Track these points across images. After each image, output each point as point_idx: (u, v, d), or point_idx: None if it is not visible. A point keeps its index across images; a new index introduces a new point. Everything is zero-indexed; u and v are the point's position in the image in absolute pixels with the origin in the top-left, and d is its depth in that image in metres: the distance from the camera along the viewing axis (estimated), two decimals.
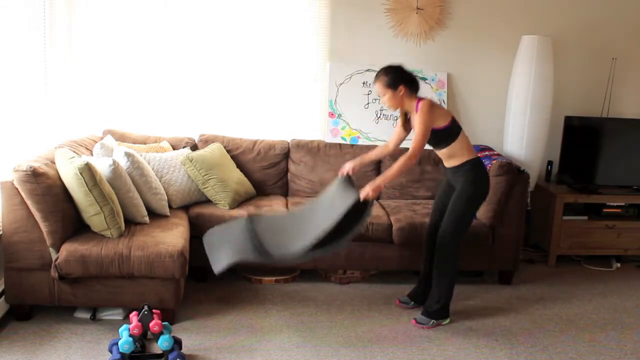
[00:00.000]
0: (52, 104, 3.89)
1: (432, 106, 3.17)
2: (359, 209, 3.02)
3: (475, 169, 3.26)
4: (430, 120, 3.14)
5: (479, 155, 3.37)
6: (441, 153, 3.33)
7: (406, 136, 3.45)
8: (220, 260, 2.95)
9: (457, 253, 3.31)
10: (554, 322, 3.47)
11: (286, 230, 3.16)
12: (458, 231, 3.28)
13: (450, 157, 3.29)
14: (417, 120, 3.17)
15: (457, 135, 3.23)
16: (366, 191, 3.08)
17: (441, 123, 3.19)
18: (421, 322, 3.31)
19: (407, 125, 3.40)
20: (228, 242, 3.07)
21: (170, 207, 3.73)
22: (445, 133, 3.21)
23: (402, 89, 3.19)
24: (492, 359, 3.00)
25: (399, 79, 3.19)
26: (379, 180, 3.14)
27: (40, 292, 3.10)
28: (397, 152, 3.47)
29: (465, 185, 3.25)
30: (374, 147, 4.43)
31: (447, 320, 3.37)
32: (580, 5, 4.66)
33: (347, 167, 3.38)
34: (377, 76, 3.25)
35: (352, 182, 3.30)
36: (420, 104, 3.19)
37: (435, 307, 3.32)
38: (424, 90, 4.55)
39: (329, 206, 3.16)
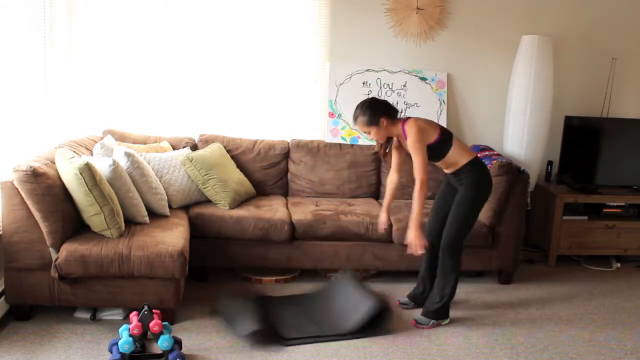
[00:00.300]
0: (52, 104, 3.89)
1: (419, 125, 3.14)
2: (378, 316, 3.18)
3: (475, 169, 3.25)
4: (423, 141, 3.13)
5: (477, 155, 3.36)
6: (439, 163, 3.32)
7: (404, 156, 3.42)
8: (243, 326, 3.06)
9: (460, 255, 3.32)
10: (554, 322, 3.47)
11: (296, 314, 3.34)
12: (461, 234, 3.29)
13: (449, 165, 3.29)
14: (410, 146, 3.14)
15: (450, 144, 3.22)
16: (414, 246, 3.10)
17: (432, 137, 3.17)
18: (421, 323, 3.31)
19: (399, 147, 3.39)
20: (243, 318, 3.15)
21: (170, 207, 3.73)
22: (439, 146, 3.20)
23: (384, 121, 3.18)
24: (492, 359, 3.00)
25: (377, 114, 3.17)
26: (414, 226, 3.11)
27: (40, 292, 3.10)
28: (402, 173, 3.48)
29: (466, 188, 3.25)
30: (372, 146, 4.45)
31: (447, 321, 3.37)
32: (580, 5, 4.66)
33: (382, 224, 3.49)
34: (355, 117, 3.22)
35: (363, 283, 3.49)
36: (407, 127, 3.16)
37: (435, 307, 3.32)
38: (424, 90, 4.57)
39: (345, 308, 3.29)
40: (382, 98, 3.28)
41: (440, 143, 3.19)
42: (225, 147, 4.28)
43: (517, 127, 4.44)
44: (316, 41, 4.49)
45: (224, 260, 3.77)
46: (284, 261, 3.80)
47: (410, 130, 3.13)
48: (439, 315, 3.33)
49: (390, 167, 3.49)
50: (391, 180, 3.48)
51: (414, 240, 3.11)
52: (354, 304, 3.27)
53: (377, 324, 3.18)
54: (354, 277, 3.50)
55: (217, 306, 3.34)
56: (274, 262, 3.80)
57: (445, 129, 3.27)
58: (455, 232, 3.26)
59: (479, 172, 3.27)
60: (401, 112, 4.54)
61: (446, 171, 3.36)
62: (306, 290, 3.67)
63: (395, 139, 3.35)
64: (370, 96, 3.26)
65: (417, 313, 3.39)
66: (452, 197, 3.33)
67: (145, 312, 2.79)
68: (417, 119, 3.21)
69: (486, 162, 3.95)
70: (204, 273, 3.83)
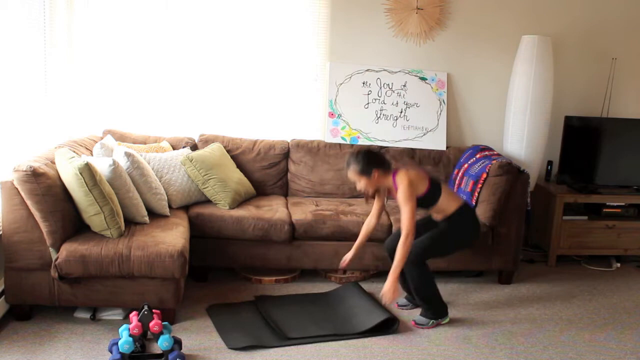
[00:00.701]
0: (52, 104, 3.89)
1: (410, 179, 3.14)
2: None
3: (464, 216, 3.27)
4: (413, 194, 3.13)
5: (465, 201, 3.35)
6: (428, 210, 3.33)
7: (384, 201, 3.43)
8: (235, 340, 3.04)
9: (424, 265, 3.28)
10: (554, 322, 3.47)
11: (300, 314, 3.36)
12: (428, 253, 3.27)
13: (439, 212, 3.29)
14: (400, 198, 3.14)
15: (439, 192, 3.22)
16: (388, 296, 3.09)
17: (422, 190, 3.18)
18: (420, 323, 3.31)
19: (381, 193, 3.39)
20: (242, 327, 3.17)
21: (170, 207, 3.72)
22: (429, 196, 3.21)
23: (375, 173, 3.17)
24: (492, 359, 3.00)
25: (370, 165, 3.16)
26: (392, 277, 3.10)
27: (40, 292, 3.10)
28: (380, 220, 3.48)
29: (453, 228, 3.27)
30: (375, 146, 4.45)
31: (447, 319, 3.37)
32: (580, 5, 4.66)
33: (345, 261, 3.50)
34: (348, 164, 3.21)
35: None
36: (398, 179, 3.16)
37: (428, 308, 3.33)
38: (424, 90, 4.57)
39: (353, 313, 3.36)
40: (377, 150, 3.26)
41: (430, 193, 3.21)
42: (225, 147, 4.28)
43: (517, 127, 4.44)
44: (316, 41, 4.49)
45: (224, 260, 3.77)
46: (284, 261, 3.80)
47: (401, 182, 3.14)
48: (437, 314, 3.33)
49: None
50: (368, 224, 3.49)
51: (389, 291, 3.09)
52: (367, 309, 3.33)
53: (382, 331, 3.20)
54: (361, 289, 3.61)
55: (211, 314, 3.33)
56: (274, 262, 3.80)
57: (434, 178, 3.28)
58: (423, 248, 3.23)
59: (470, 218, 3.30)
60: (401, 112, 4.54)
61: (435, 217, 3.35)
62: (308, 292, 3.68)
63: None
64: (366, 146, 3.25)
65: (417, 313, 3.39)
66: (433, 225, 3.34)
67: (145, 312, 2.79)
68: (407, 170, 3.20)
69: (486, 162, 3.96)
70: (204, 273, 3.83)
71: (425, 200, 3.22)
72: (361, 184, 3.21)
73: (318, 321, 3.28)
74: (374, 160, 3.19)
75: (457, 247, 3.44)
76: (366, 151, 3.22)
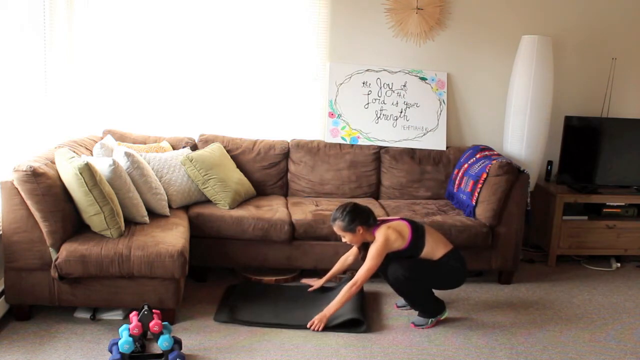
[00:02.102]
0: (52, 104, 3.89)
1: (387, 236, 3.16)
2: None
3: (451, 263, 3.26)
4: (384, 252, 3.17)
5: (453, 247, 3.32)
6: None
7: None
8: (221, 315, 3.28)
9: (415, 280, 3.28)
10: (554, 322, 3.47)
11: (269, 302, 3.50)
12: (418, 278, 3.25)
13: (426, 256, 3.28)
14: (370, 250, 3.18)
15: (423, 241, 3.22)
16: (316, 324, 3.17)
17: (402, 245, 3.20)
18: (420, 324, 3.31)
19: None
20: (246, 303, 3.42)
21: (170, 207, 3.72)
22: (411, 248, 3.22)
23: (360, 229, 3.19)
24: (492, 359, 3.00)
25: (355, 222, 3.17)
26: (329, 312, 3.20)
27: (40, 292, 3.10)
28: (358, 259, 3.44)
29: (439, 271, 3.27)
30: (375, 146, 4.45)
31: (445, 313, 3.37)
32: (580, 5, 4.66)
33: (309, 281, 3.59)
34: (333, 220, 3.23)
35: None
36: (377, 233, 3.20)
37: (424, 309, 3.33)
38: (424, 90, 4.57)
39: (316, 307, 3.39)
40: (364, 205, 3.27)
41: (411, 246, 3.22)
42: (225, 147, 4.28)
43: (517, 127, 4.44)
44: (316, 41, 4.49)
45: (223, 260, 3.77)
46: (284, 261, 3.80)
47: (378, 237, 3.18)
48: (434, 312, 3.33)
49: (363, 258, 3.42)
50: (345, 260, 3.53)
51: (320, 321, 3.18)
52: (344, 307, 3.32)
53: (349, 329, 3.22)
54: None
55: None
56: (274, 262, 3.80)
57: (417, 228, 3.25)
58: (410, 269, 3.20)
59: (457, 264, 3.29)
60: (401, 112, 4.55)
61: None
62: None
63: None
64: (352, 202, 3.26)
65: (416, 314, 3.38)
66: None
67: (145, 312, 2.79)
68: (389, 226, 3.21)
69: (486, 163, 3.96)
70: (204, 273, 3.83)
71: (409, 251, 3.23)
72: (346, 238, 3.25)
73: (282, 312, 3.36)
74: (358, 217, 3.19)
75: (438, 285, 3.37)
76: (352, 208, 3.21)
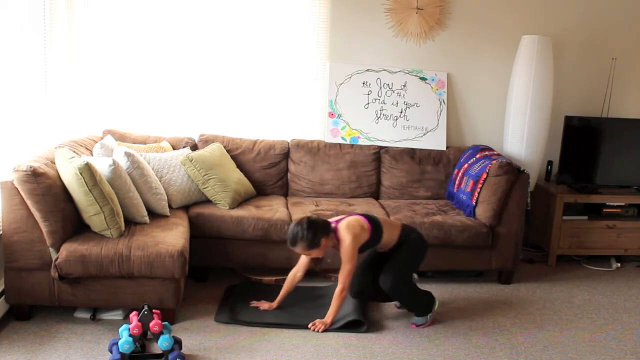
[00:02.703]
0: (52, 104, 3.89)
1: (355, 233, 3.12)
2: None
3: (408, 239, 3.29)
4: (356, 251, 3.14)
5: (403, 223, 3.38)
6: (376, 248, 3.35)
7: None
8: (222, 315, 3.28)
9: (409, 283, 3.35)
10: (554, 322, 3.47)
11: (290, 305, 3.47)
12: (407, 280, 3.31)
13: (385, 245, 3.30)
14: (343, 254, 3.14)
15: (380, 230, 3.22)
16: (316, 325, 3.19)
17: (365, 237, 3.19)
18: (419, 323, 3.31)
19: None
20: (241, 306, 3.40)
21: (170, 207, 3.72)
22: (373, 239, 3.22)
23: (324, 241, 3.11)
24: (492, 359, 3.00)
25: (318, 236, 3.08)
26: (327, 320, 3.21)
27: (40, 292, 3.10)
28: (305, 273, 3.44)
29: (401, 254, 3.29)
30: (375, 146, 4.45)
31: (437, 303, 3.39)
32: (580, 5, 4.66)
33: (265, 304, 3.42)
34: (293, 243, 3.10)
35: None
36: (342, 234, 3.14)
37: (417, 307, 3.35)
38: (424, 90, 4.57)
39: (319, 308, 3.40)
40: (315, 216, 3.21)
41: (373, 234, 3.21)
42: (225, 147, 4.28)
43: (517, 127, 4.44)
44: (316, 41, 4.49)
45: (223, 260, 3.77)
46: (284, 261, 3.80)
47: (344, 238, 3.13)
48: (427, 307, 3.34)
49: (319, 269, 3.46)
50: (294, 277, 3.40)
51: (321, 324, 3.19)
52: (344, 308, 3.33)
53: (350, 329, 3.22)
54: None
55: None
56: (273, 262, 3.80)
57: (370, 217, 3.25)
58: (399, 279, 3.24)
59: (413, 239, 3.30)
60: (401, 112, 4.55)
61: (382, 250, 3.35)
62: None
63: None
64: (306, 216, 3.17)
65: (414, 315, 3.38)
66: (382, 256, 3.36)
67: (145, 312, 2.79)
68: (348, 224, 3.16)
69: (486, 163, 3.96)
70: (204, 273, 3.83)
71: (372, 243, 3.24)
72: (313, 254, 3.18)
73: (282, 312, 3.35)
74: (319, 230, 3.09)
75: (417, 263, 3.40)
76: (308, 224, 3.08)
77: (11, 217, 3.04)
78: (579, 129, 4.54)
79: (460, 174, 4.20)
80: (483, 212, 3.88)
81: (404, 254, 3.29)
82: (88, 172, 2.99)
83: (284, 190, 4.40)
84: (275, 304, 3.41)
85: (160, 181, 3.72)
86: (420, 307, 3.34)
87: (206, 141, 4.30)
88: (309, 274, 3.93)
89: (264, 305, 3.40)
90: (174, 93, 4.45)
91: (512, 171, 3.85)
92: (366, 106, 4.52)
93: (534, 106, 4.36)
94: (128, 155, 3.44)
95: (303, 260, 3.35)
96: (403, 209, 4.06)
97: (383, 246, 3.30)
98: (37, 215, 3.00)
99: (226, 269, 3.95)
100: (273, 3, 4.40)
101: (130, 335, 2.75)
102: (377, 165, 4.44)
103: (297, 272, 3.40)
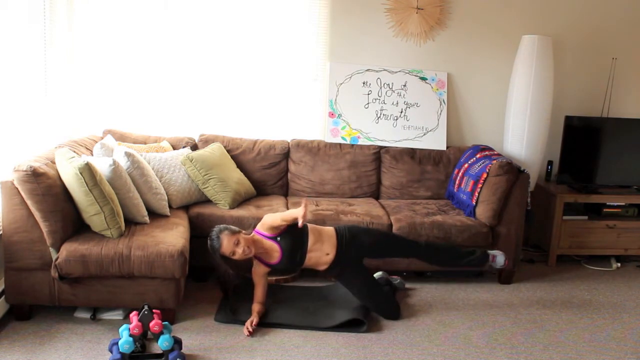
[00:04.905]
0: (52, 104, 3.89)
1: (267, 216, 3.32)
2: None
3: (340, 246, 3.33)
4: (277, 216, 3.28)
5: (336, 227, 3.44)
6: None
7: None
8: (222, 315, 3.30)
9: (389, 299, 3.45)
10: (554, 322, 3.47)
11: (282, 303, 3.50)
12: (376, 290, 3.40)
13: (318, 264, 3.35)
14: (267, 216, 3.33)
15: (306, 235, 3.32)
16: (303, 210, 3.18)
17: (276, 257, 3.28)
18: (501, 263, 3.56)
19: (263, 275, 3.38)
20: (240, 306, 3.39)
21: (170, 207, 3.73)
22: (282, 264, 3.29)
23: (240, 232, 3.24)
24: (492, 359, 3.00)
25: (229, 228, 3.23)
26: (292, 212, 3.27)
27: (40, 292, 3.10)
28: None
29: (354, 278, 3.38)
30: (375, 146, 4.45)
31: (397, 279, 3.70)
32: (580, 5, 4.66)
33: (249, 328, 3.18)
34: (216, 249, 3.18)
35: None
36: (263, 220, 3.31)
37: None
38: (424, 90, 4.57)
39: (323, 308, 3.44)
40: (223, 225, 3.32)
41: (281, 263, 3.29)
42: (225, 147, 4.28)
43: (517, 127, 4.44)
44: (316, 41, 4.49)
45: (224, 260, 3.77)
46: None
47: (265, 218, 3.32)
48: (484, 257, 3.53)
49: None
50: (261, 281, 3.37)
51: (302, 210, 3.17)
52: (343, 307, 3.37)
53: (349, 329, 3.22)
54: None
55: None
56: None
57: (284, 245, 3.27)
58: (371, 297, 3.36)
59: (340, 246, 3.33)
60: (401, 112, 4.55)
61: (322, 269, 3.38)
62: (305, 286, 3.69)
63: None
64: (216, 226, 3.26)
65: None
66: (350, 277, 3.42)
67: (145, 312, 2.79)
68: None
69: (486, 162, 3.96)
70: (204, 273, 3.83)
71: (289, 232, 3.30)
72: (240, 247, 3.15)
73: (282, 312, 3.35)
74: (227, 227, 3.23)
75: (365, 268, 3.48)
76: (215, 229, 3.23)
77: (11, 217, 3.04)
78: (579, 129, 4.54)
79: (460, 173, 4.20)
80: (483, 212, 3.88)
81: (355, 277, 3.39)
82: (88, 172, 2.99)
83: (284, 190, 4.40)
84: (257, 307, 3.28)
85: (160, 181, 3.72)
86: (390, 304, 3.41)
87: (206, 141, 4.30)
88: (310, 274, 3.94)
89: (254, 322, 3.18)
90: (174, 93, 4.45)
91: (512, 171, 3.85)
92: (366, 106, 4.52)
93: (534, 106, 4.36)
94: (128, 155, 3.44)
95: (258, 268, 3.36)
96: (403, 208, 4.06)
97: (316, 265, 3.34)
98: (37, 215, 3.00)
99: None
100: (273, 3, 4.40)
101: (130, 335, 2.75)
102: (377, 165, 4.44)
103: (260, 278, 3.37)
